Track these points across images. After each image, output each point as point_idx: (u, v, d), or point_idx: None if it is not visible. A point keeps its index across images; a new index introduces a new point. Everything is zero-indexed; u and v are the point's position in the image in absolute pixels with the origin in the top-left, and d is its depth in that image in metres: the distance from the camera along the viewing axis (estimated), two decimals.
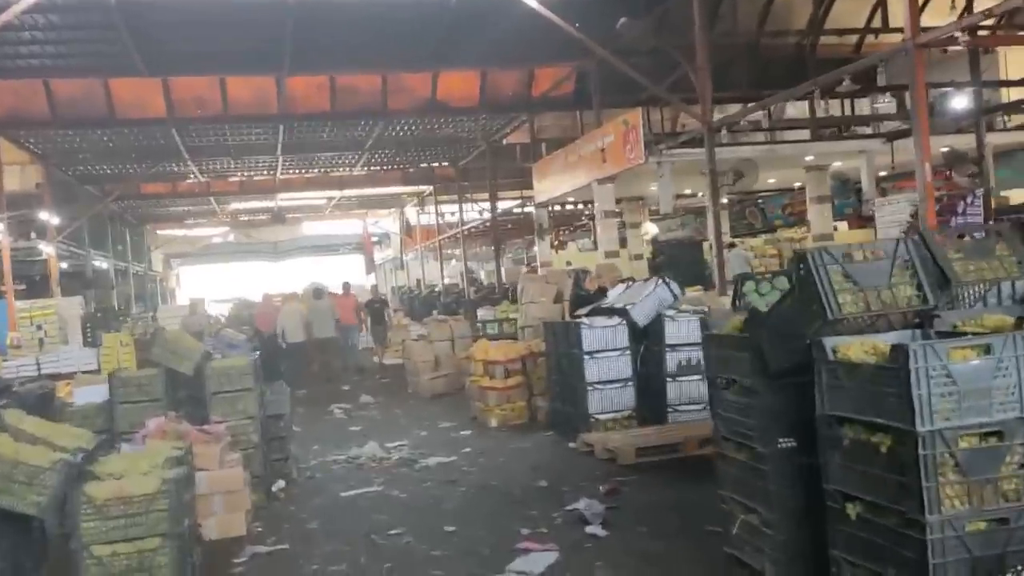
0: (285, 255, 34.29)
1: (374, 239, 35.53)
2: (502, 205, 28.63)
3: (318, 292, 19.19)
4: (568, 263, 22.47)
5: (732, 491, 5.28)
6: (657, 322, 10.03)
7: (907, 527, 3.85)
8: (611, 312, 10.17)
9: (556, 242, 32.27)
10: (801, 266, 4.63)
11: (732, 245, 22.12)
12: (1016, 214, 18.61)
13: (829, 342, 4.35)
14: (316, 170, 29.52)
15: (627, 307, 9.98)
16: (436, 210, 32.42)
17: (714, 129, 17.64)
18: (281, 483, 8.78)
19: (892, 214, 20.04)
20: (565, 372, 10.31)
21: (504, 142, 27.21)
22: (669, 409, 10.03)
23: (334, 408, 14.36)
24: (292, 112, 22.46)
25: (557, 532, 6.77)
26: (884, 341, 4.28)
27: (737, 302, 5.78)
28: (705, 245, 21.97)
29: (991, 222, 17.54)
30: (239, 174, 29.57)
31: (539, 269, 25.47)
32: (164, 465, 5.68)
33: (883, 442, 3.97)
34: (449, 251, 36.23)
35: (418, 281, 36.83)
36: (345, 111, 22.68)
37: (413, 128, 25.30)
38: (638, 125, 18.86)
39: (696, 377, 10.06)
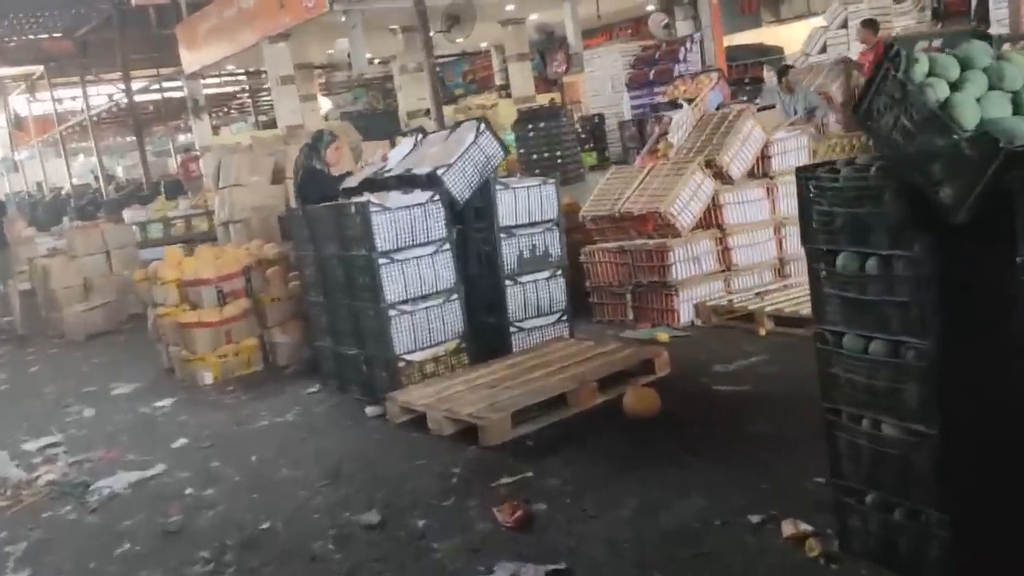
0: None
1: None
2: (136, 86, 21.90)
3: None
4: (238, 143, 16.95)
5: None
6: (483, 194, 5.71)
7: None
8: (410, 183, 5.65)
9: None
10: None
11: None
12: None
13: None
14: None
15: (438, 172, 5.52)
16: (52, 96, 24.59)
17: None
18: None
19: (602, 68, 16.95)
20: (340, 290, 5.69)
21: (134, 3, 20.41)
22: (513, 329, 5.86)
23: None
24: None
25: None
26: None
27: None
28: (402, 115, 17.55)
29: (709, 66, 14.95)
30: None
31: (199, 157, 19.64)
32: None
33: None
34: (75, 144, 28.28)
35: (39, 184, 28.62)
36: None
37: None
38: None
39: (543, 274, 5.95)
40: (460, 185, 5.62)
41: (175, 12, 18.87)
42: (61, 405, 6.71)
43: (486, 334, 5.82)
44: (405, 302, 5.41)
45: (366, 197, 5.53)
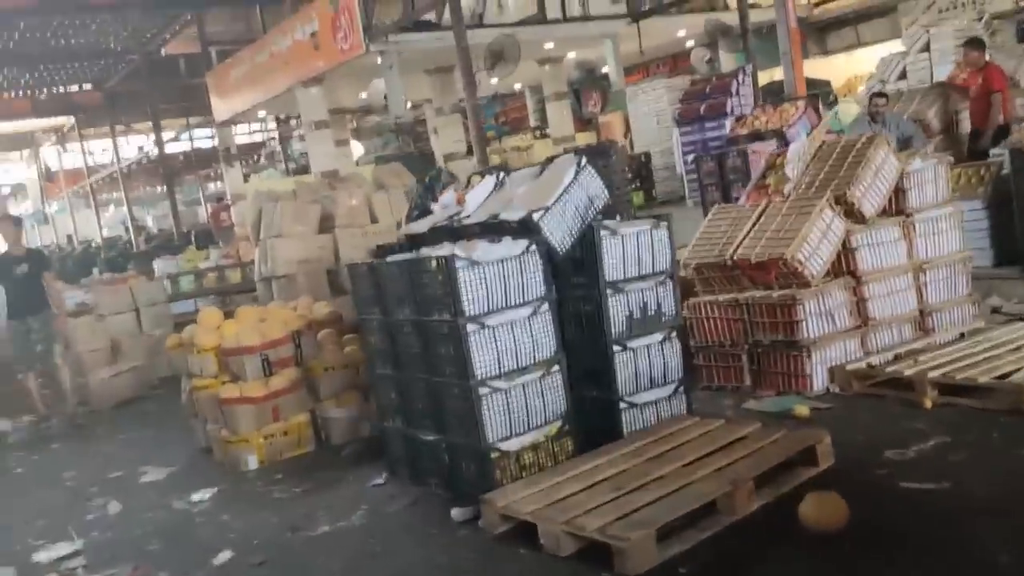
0: None
1: (4, 190, 26.02)
2: (166, 136, 21.10)
3: None
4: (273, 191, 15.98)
5: None
6: (584, 242, 4.60)
7: None
8: (496, 231, 4.55)
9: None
10: None
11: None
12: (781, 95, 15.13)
13: None
14: None
15: (534, 216, 4.43)
16: (82, 147, 23.86)
17: None
18: None
19: (646, 104, 15.96)
20: (415, 361, 4.58)
21: (163, 53, 19.72)
22: (623, 405, 4.71)
23: None
24: None
25: None
26: None
27: None
28: (438, 158, 16.57)
29: (761, 101, 13.93)
30: None
31: (229, 206, 18.75)
32: None
33: None
34: (105, 196, 27.53)
35: (69, 237, 27.85)
36: None
37: (38, 36, 17.20)
38: (352, 4, 12.98)
39: (656, 337, 4.81)
40: (560, 231, 4.52)
41: (205, 61, 18.11)
42: (83, 497, 5.58)
43: (590, 412, 4.66)
44: (498, 377, 4.27)
45: (447, 248, 4.43)
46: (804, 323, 5.19)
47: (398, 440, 4.88)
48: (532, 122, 20.75)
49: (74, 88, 21.38)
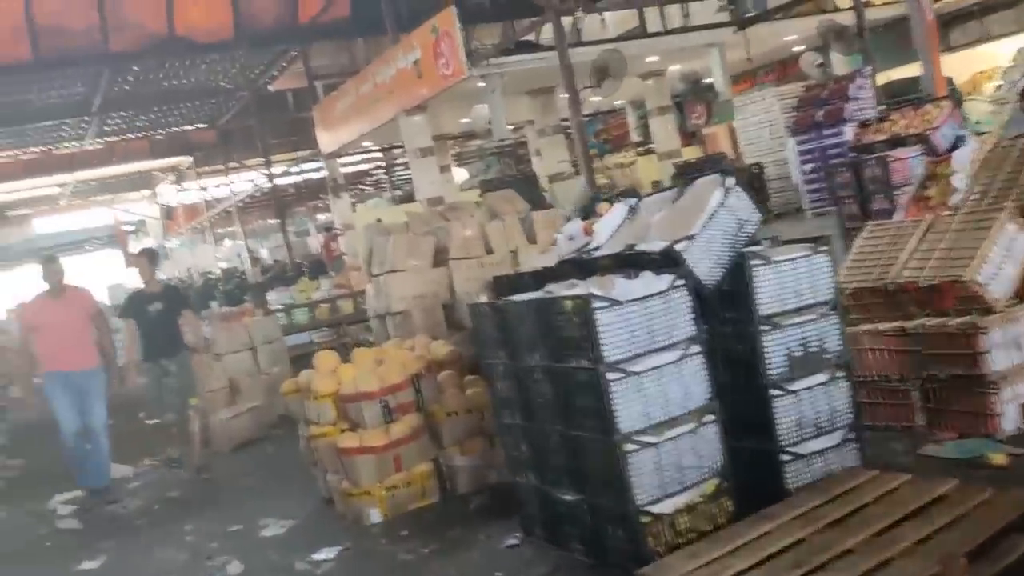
0: (15, 262, 25.00)
1: (128, 228, 26.97)
2: (277, 169, 21.42)
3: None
4: (379, 220, 15.88)
5: None
6: (734, 274, 4.05)
7: None
8: (633, 264, 4.03)
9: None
10: None
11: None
12: (905, 96, 14.08)
13: None
14: (34, 148, 20.88)
15: (677, 247, 3.91)
16: (198, 184, 24.51)
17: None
18: None
19: (756, 113, 15.14)
20: (549, 412, 4.11)
21: (271, 89, 19.99)
22: (786, 457, 4.11)
23: (57, 504, 7.16)
24: None
25: None
26: None
27: None
28: (542, 180, 16.16)
29: (882, 104, 12.99)
30: None
31: (339, 235, 18.81)
32: None
33: None
34: (221, 229, 28.22)
35: (189, 270, 28.66)
36: (54, 58, 14.90)
37: (151, 77, 17.66)
38: (453, 30, 12.71)
39: (820, 377, 4.19)
40: (707, 262, 3.97)
41: (311, 94, 18.25)
42: (202, 555, 5.30)
43: (747, 466, 4.08)
44: (645, 431, 3.75)
45: (583, 286, 3.94)
46: (989, 355, 4.47)
47: (532, 497, 4.39)
48: (634, 138, 20.12)
49: (188, 127, 21.94)
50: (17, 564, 5.97)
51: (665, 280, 3.85)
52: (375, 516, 5.20)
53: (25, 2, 13.94)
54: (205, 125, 21.73)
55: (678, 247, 3.92)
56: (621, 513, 3.79)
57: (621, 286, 3.83)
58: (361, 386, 5.33)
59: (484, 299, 4.69)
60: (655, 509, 3.75)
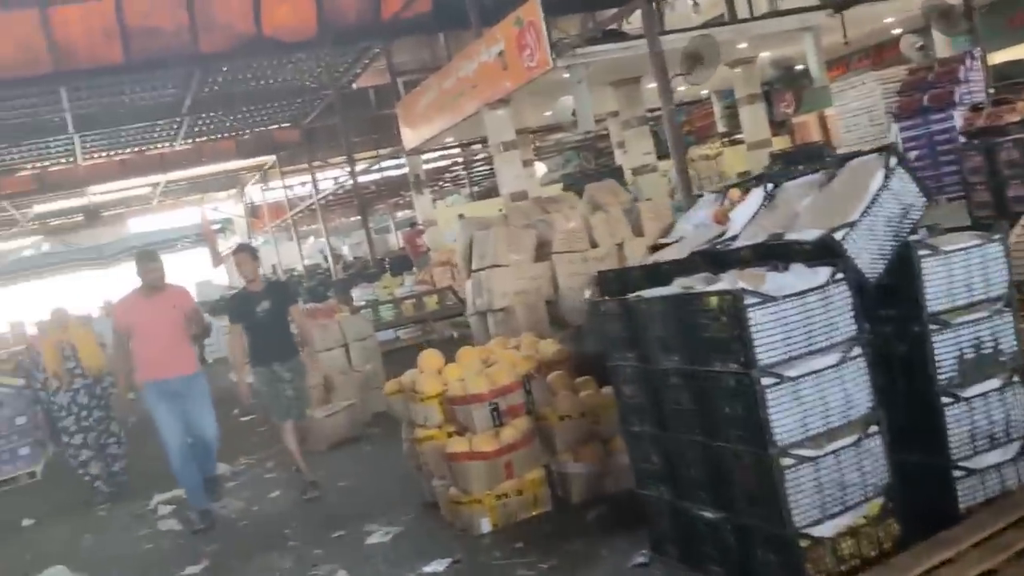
0: (113, 260, 25.64)
1: (216, 226, 27.41)
2: (358, 167, 21.42)
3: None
4: (461, 215, 15.64)
5: None
6: (897, 266, 3.57)
7: None
8: (780, 255, 3.58)
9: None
10: None
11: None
12: (1012, 79, 13.13)
13: None
14: (127, 149, 21.29)
15: (836, 235, 3.45)
16: (283, 183, 24.70)
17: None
18: None
19: (855, 99, 14.36)
20: (687, 421, 3.70)
21: (354, 87, 19.96)
22: (958, 472, 3.62)
23: (157, 503, 7.09)
24: (72, 67, 14.75)
25: None
26: None
27: None
28: (627, 173, 15.68)
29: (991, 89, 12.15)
30: (30, 166, 21.05)
31: (423, 231, 18.63)
32: None
33: None
34: (304, 227, 28.39)
35: (274, 267, 29.00)
36: (144, 60, 15.06)
37: (240, 78, 17.79)
38: (537, 21, 12.32)
39: (994, 383, 3.68)
40: (869, 253, 3.51)
41: (393, 91, 18.12)
42: (307, 563, 5.05)
43: (913, 483, 3.60)
44: (804, 443, 3.31)
45: (726, 280, 3.51)
46: None
47: (664, 512, 3.98)
48: (720, 128, 19.44)
49: (273, 127, 22.09)
50: (119, 568, 5.82)
51: (823, 274, 3.40)
52: (485, 526, 4.86)
53: (116, 3, 14.08)
54: (289, 124, 21.85)
55: (837, 236, 3.46)
56: (775, 535, 3.36)
57: (773, 280, 3.40)
58: (470, 388, 5.00)
59: (588, 295, 4.31)
60: (815, 532, 3.31)
